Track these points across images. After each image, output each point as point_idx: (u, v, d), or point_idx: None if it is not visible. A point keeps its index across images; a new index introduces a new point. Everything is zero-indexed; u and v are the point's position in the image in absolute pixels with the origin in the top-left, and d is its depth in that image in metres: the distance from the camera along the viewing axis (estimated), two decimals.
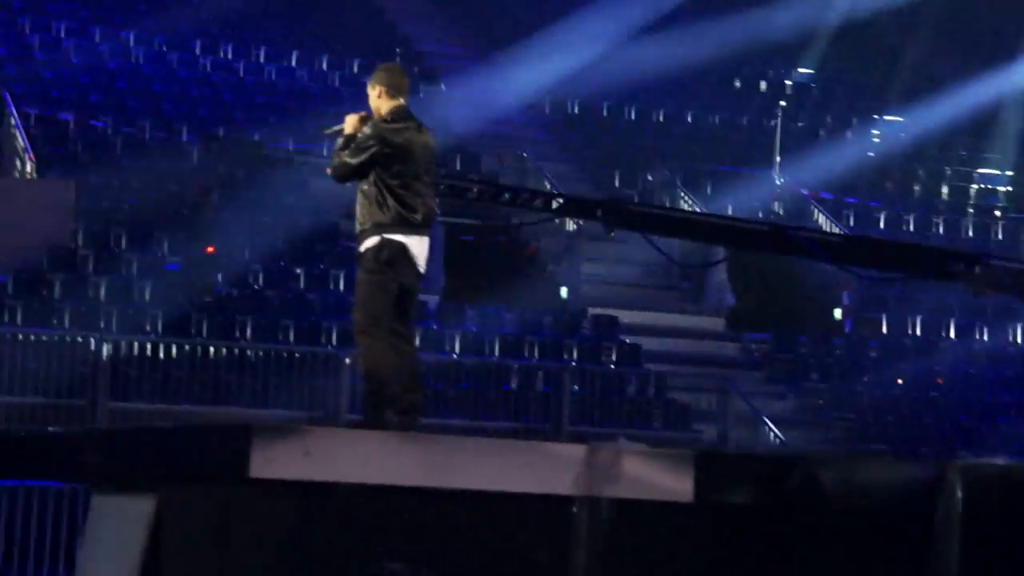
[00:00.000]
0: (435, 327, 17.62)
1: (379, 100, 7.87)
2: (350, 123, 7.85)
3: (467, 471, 6.57)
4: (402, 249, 7.64)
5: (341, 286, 18.20)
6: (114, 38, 22.80)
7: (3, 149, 19.01)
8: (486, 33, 26.89)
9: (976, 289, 8.88)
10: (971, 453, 18.17)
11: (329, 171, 7.87)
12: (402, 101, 7.88)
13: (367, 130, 7.74)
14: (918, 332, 21.33)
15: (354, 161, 7.69)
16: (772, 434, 17.72)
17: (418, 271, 7.76)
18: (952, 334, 21.40)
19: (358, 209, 7.76)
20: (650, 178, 22.49)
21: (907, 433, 18.96)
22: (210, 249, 12.35)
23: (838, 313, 21.09)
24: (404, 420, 7.67)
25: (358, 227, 7.79)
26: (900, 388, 19.95)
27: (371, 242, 7.69)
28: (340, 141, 7.82)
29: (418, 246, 7.71)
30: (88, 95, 20.82)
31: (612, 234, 10.30)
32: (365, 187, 7.73)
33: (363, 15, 26.37)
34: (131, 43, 22.82)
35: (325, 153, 20.89)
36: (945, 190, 25.65)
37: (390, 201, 7.64)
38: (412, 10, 27.41)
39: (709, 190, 22.75)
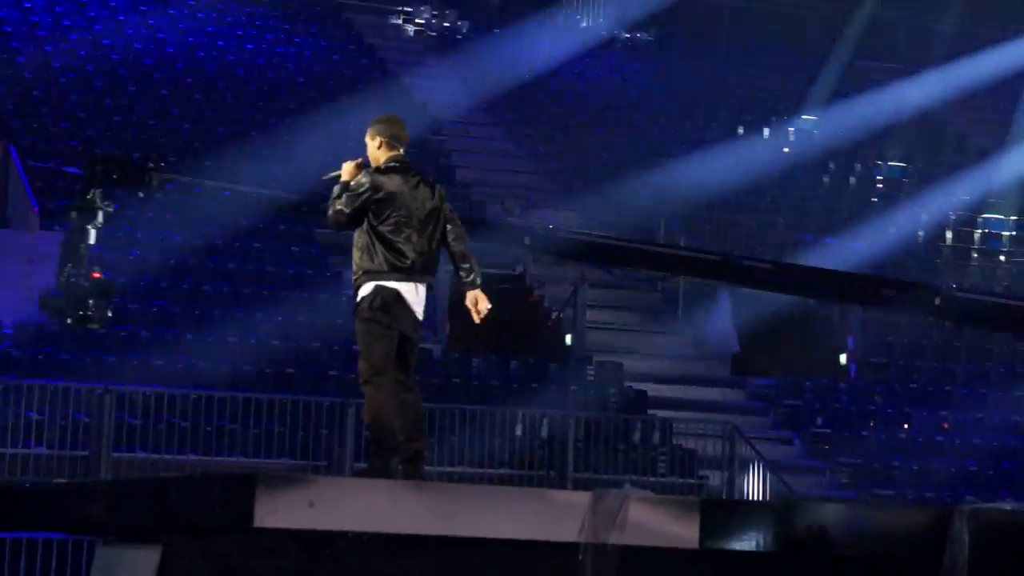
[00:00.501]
0: (439, 375, 17.61)
1: (378, 151, 7.92)
2: (347, 170, 7.90)
3: (472, 519, 6.56)
4: (396, 295, 7.66)
5: (346, 335, 18.20)
6: (119, 92, 22.95)
7: (8, 202, 19.07)
8: (490, 81, 27.04)
9: (936, 321, 8.93)
10: (978, 498, 18.10)
11: (327, 218, 7.91)
12: (401, 151, 7.93)
13: (361, 178, 7.79)
14: (923, 377, 21.28)
15: (348, 209, 7.74)
16: (778, 480, 17.66)
17: (416, 318, 7.77)
18: (958, 378, 21.36)
19: (353, 257, 7.81)
20: (652, 225, 22.50)
21: (914, 478, 18.89)
22: (96, 275, 12.43)
23: (843, 358, 21.06)
24: (408, 468, 7.66)
25: (353, 276, 7.83)
26: (906, 433, 19.89)
27: (365, 290, 7.72)
28: (336, 189, 7.87)
29: (412, 292, 7.71)
30: (93, 146, 20.92)
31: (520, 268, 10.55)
32: (357, 235, 7.78)
33: (366, 67, 26.53)
34: (134, 95, 22.98)
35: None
36: (949, 235, 25.67)
37: (379, 248, 7.68)
38: (412, 60, 27.59)
39: (712, 236, 22.78)
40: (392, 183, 7.74)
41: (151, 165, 11.43)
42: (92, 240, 11.41)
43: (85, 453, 15.14)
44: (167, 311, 17.77)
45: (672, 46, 30.29)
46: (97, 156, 11.69)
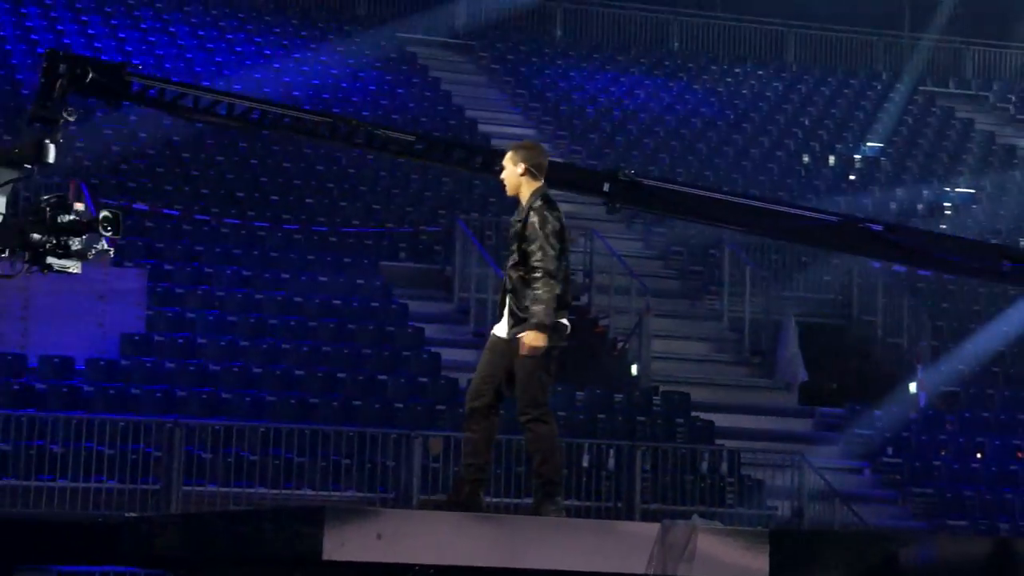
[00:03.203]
0: (505, 407, 17.60)
1: (521, 177, 7.72)
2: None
3: (540, 551, 6.54)
4: (564, 330, 7.70)
5: (412, 367, 18.27)
6: (186, 127, 23.22)
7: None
8: (552, 113, 27.11)
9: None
10: None
11: (542, 277, 7.60)
12: (543, 182, 7.79)
13: (548, 215, 7.57)
14: (996, 405, 21.00)
15: (554, 251, 7.57)
16: (848, 511, 17.47)
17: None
18: None
19: (521, 296, 7.62)
20: (718, 254, 22.42)
21: (987, 508, 18.63)
22: (79, 204, 9.64)
23: (913, 387, 20.84)
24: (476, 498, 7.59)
25: (520, 315, 7.64)
26: (979, 462, 19.63)
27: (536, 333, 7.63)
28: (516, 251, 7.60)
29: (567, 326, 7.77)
30: (163, 184, 21.20)
31: (615, 210, 9.42)
32: (521, 273, 7.62)
33: (431, 99, 26.70)
34: (199, 130, 23.24)
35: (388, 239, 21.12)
36: None
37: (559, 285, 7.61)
38: (478, 94, 27.73)
39: (779, 265, 22.65)
40: (561, 220, 7.70)
41: (128, 68, 9.15)
42: (52, 158, 8.86)
43: (156, 487, 15.28)
44: (235, 344, 17.94)
45: (738, 73, 30.23)
46: (58, 53, 9.08)
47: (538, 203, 7.66)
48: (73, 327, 17.11)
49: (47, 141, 8.78)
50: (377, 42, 28.44)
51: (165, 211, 20.33)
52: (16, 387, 16.11)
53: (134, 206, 19.97)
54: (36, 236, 8.48)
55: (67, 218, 8.65)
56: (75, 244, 8.68)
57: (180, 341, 17.73)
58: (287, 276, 19.65)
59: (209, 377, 17.14)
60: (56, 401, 16.03)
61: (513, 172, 7.78)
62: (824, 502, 17.61)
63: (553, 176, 8.14)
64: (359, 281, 19.93)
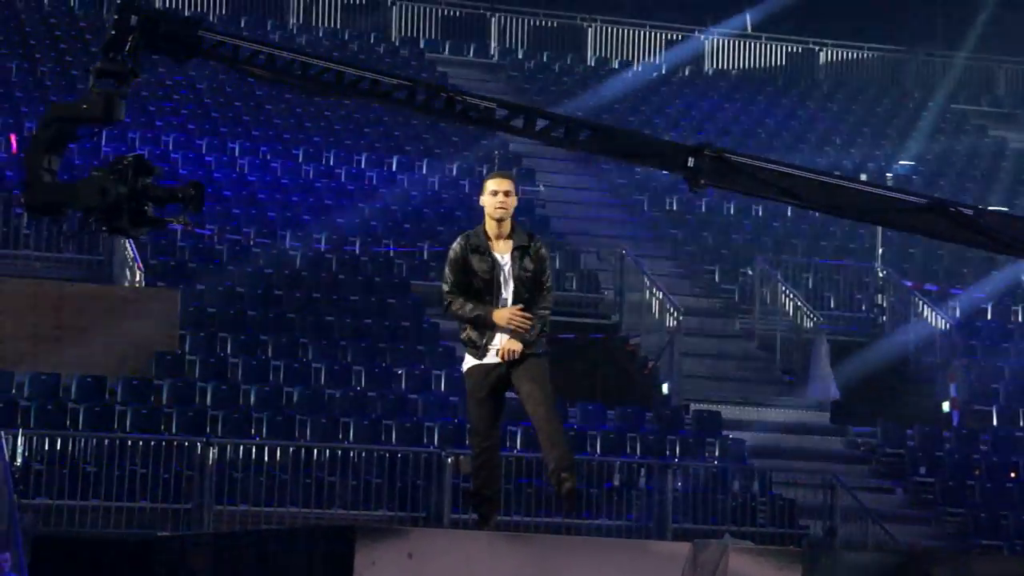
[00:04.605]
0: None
1: (512, 205, 7.96)
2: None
3: (571, 570, 6.54)
4: None
5: (443, 386, 18.28)
6: (220, 148, 23.37)
7: (113, 260, 19.45)
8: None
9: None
10: None
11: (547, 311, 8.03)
12: None
13: (545, 250, 8.02)
14: None
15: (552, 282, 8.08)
16: (881, 530, 17.38)
17: None
18: None
19: (541, 306, 8.06)
20: (750, 272, 22.38)
21: (1021, 528, 18.49)
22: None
23: (946, 406, 20.72)
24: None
25: (534, 327, 7.95)
26: (1013, 482, 19.49)
27: (543, 342, 7.99)
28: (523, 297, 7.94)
29: None
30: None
31: (699, 187, 8.99)
32: (528, 287, 8.00)
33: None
34: (236, 152, 23.37)
35: (426, 255, 21.16)
36: None
37: None
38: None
39: (810, 283, 22.59)
40: None
41: (204, 23, 8.48)
42: (122, 115, 8.21)
43: (187, 506, 15.34)
44: (267, 364, 18.00)
45: (769, 91, 30.20)
46: (132, 4, 8.27)
47: (534, 234, 8.13)
48: (106, 346, 17.21)
49: (117, 97, 8.20)
50: (407, 60, 28.55)
51: (198, 231, 20.44)
52: (49, 407, 16.21)
53: (169, 226, 20.06)
54: (117, 196, 8.10)
55: (147, 181, 8.25)
56: (149, 210, 8.30)
57: (212, 361, 17.80)
58: (317, 295, 19.72)
59: (240, 396, 17.20)
60: (89, 421, 16.12)
61: (514, 202, 7.92)
62: (856, 521, 17.52)
63: (636, 150, 8.01)
64: (390, 300, 19.98)
